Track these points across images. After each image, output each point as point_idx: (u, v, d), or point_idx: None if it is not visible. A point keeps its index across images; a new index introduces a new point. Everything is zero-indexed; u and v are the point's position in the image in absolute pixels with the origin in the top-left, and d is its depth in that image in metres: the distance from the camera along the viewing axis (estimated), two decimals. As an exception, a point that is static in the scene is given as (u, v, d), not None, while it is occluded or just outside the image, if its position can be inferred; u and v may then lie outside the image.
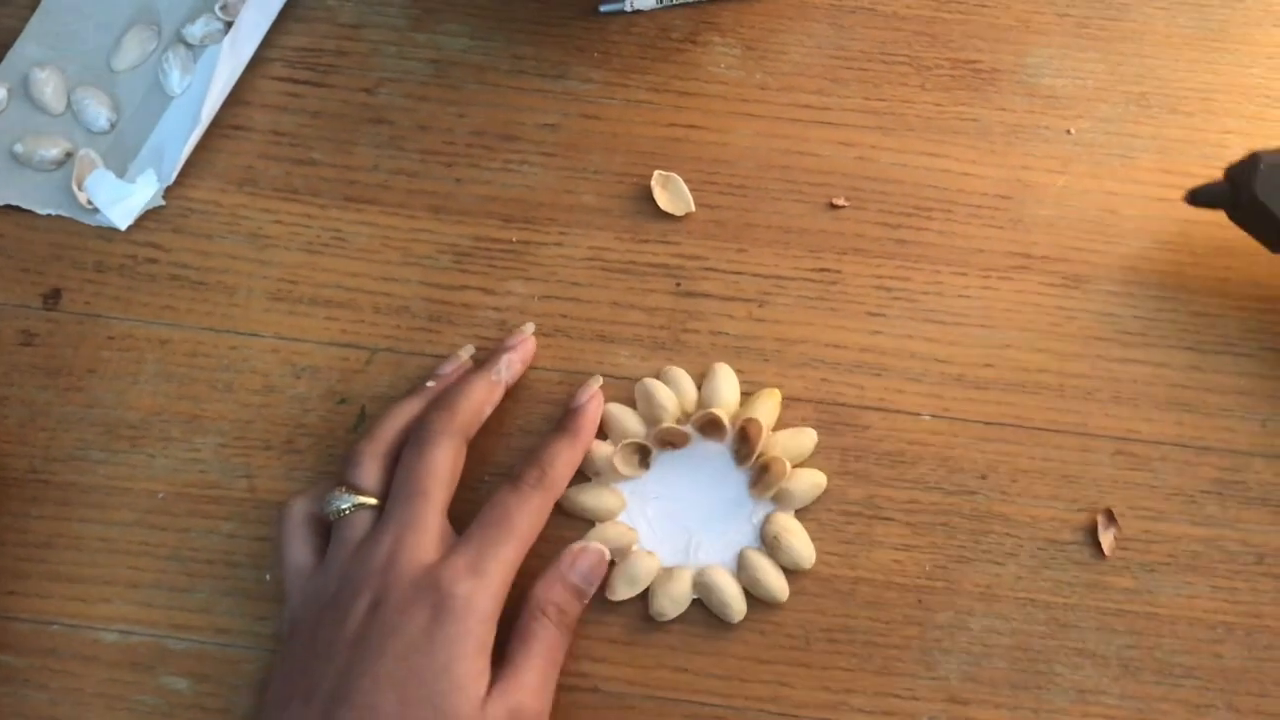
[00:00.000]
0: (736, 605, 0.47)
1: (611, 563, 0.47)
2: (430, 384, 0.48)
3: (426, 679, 0.40)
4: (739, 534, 0.48)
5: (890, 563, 0.48)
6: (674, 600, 0.46)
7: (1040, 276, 0.51)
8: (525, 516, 0.44)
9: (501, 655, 0.43)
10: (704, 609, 0.47)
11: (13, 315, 0.51)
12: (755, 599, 0.47)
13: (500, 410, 0.48)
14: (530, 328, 0.50)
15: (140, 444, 0.50)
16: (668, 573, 0.47)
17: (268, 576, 0.48)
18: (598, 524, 0.48)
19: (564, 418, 0.48)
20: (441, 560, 0.43)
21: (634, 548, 0.47)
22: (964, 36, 0.55)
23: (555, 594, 0.45)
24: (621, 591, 0.47)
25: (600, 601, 0.47)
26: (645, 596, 0.47)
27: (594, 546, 0.46)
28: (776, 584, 0.47)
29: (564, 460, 0.46)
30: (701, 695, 0.46)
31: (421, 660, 0.41)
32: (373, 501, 0.45)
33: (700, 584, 0.47)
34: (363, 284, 0.51)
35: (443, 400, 0.47)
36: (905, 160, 0.53)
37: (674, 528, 0.48)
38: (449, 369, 0.49)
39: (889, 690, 0.46)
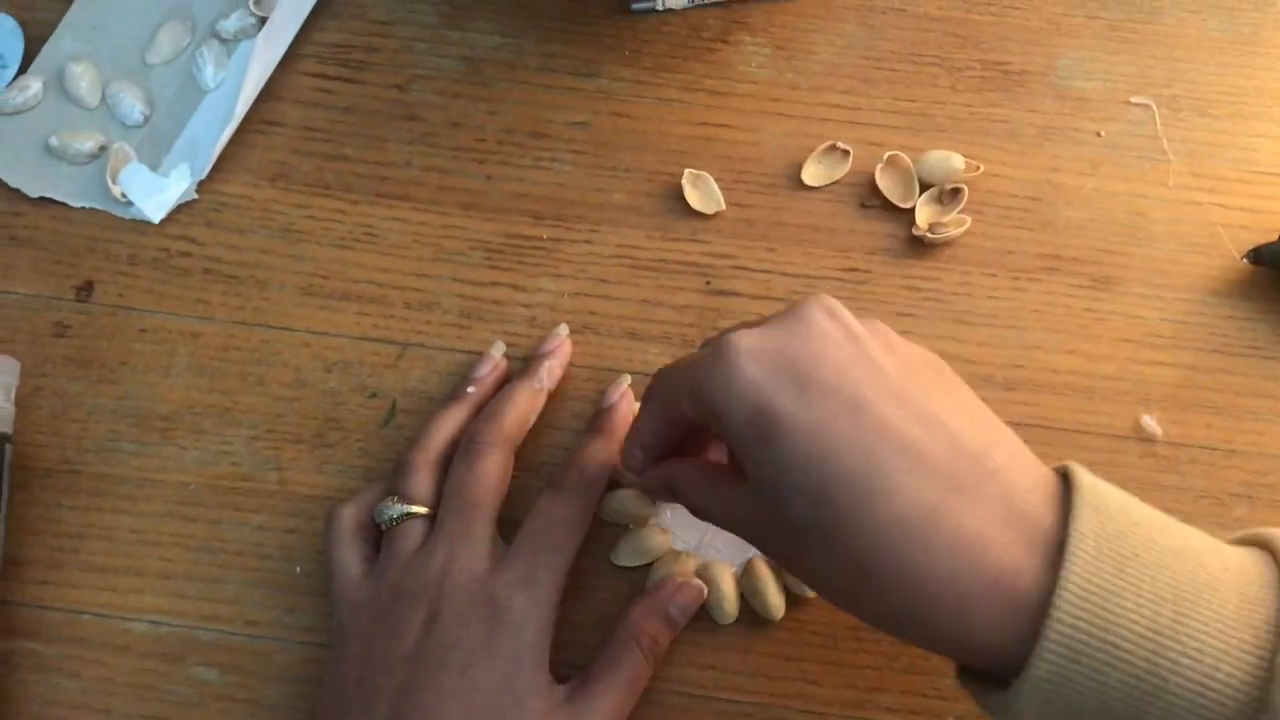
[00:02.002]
0: (728, 607, 0.47)
1: (626, 526, 0.48)
2: (470, 389, 0.48)
3: (488, 693, 0.41)
4: None
5: (918, 562, 0.48)
6: None
7: (1069, 278, 0.51)
8: (570, 523, 0.44)
9: (584, 673, 0.44)
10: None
11: (46, 307, 0.52)
12: (749, 609, 0.47)
13: (532, 408, 0.49)
14: (565, 329, 0.50)
15: (172, 436, 0.50)
16: (674, 555, 0.47)
17: (298, 569, 0.48)
18: (621, 490, 0.48)
19: (596, 418, 0.48)
20: (494, 573, 0.43)
21: (650, 522, 0.48)
22: (995, 38, 0.55)
23: (652, 625, 0.45)
24: (625, 558, 0.47)
25: (613, 578, 0.47)
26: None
27: (695, 582, 0.46)
28: (774, 601, 0.47)
29: (600, 461, 0.46)
30: (729, 693, 0.46)
31: (482, 674, 0.41)
32: (424, 511, 0.45)
33: (701, 576, 0.47)
34: (394, 279, 0.52)
35: (490, 411, 0.47)
36: (935, 161, 0.53)
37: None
38: (485, 370, 0.49)
39: (916, 689, 0.46)
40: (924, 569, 0.34)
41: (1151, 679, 0.33)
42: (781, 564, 0.42)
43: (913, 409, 0.36)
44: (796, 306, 0.38)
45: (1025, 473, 0.36)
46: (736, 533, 0.40)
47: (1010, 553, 0.34)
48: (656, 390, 0.42)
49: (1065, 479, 0.36)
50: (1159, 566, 0.34)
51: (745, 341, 0.37)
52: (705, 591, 0.46)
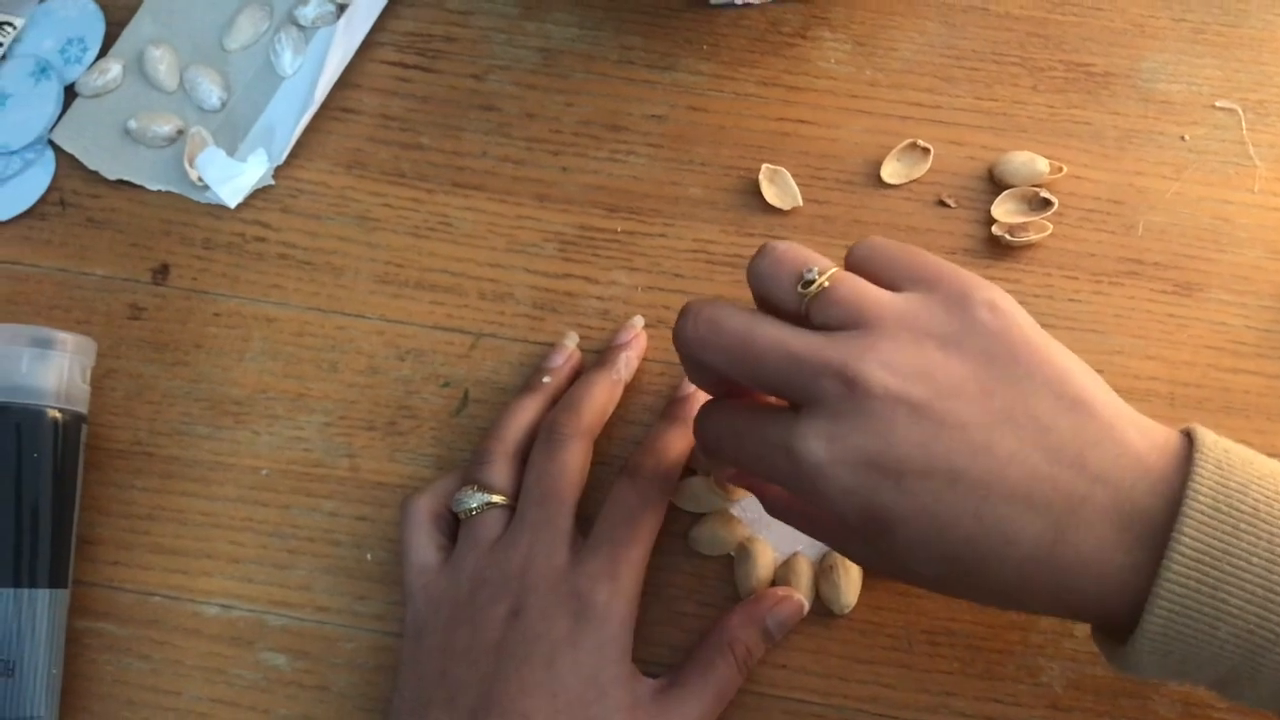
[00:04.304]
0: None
1: (701, 514, 0.48)
2: (546, 379, 0.48)
3: (574, 687, 0.41)
4: None
5: (994, 566, 0.47)
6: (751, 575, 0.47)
7: (1152, 283, 0.50)
8: (648, 513, 0.44)
9: (675, 672, 0.43)
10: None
11: (122, 289, 0.52)
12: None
13: (605, 403, 0.48)
14: (640, 321, 0.50)
15: (245, 421, 0.50)
16: (752, 544, 0.47)
17: (369, 556, 0.48)
18: (697, 477, 0.48)
19: (670, 406, 0.48)
20: (576, 565, 0.43)
21: (729, 509, 0.48)
22: (1078, 39, 0.54)
23: (749, 635, 0.45)
24: (702, 545, 0.47)
25: (699, 595, 0.47)
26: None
27: (797, 598, 0.46)
28: (848, 599, 0.46)
29: (677, 449, 0.46)
30: (800, 693, 0.46)
31: (567, 668, 0.41)
32: (504, 500, 0.45)
33: (781, 570, 0.47)
34: (468, 269, 0.52)
35: (568, 401, 0.47)
36: (1016, 161, 0.52)
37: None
38: (559, 360, 0.49)
39: (991, 695, 0.46)
40: (1060, 586, 0.36)
41: (1263, 633, 0.34)
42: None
43: (1002, 449, 0.36)
44: (847, 390, 0.36)
45: (1123, 462, 0.36)
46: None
47: (1130, 553, 0.36)
48: (720, 454, 0.41)
49: (1188, 438, 0.37)
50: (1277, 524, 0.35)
51: (821, 453, 0.36)
52: (806, 608, 0.46)
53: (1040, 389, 0.36)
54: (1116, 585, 0.36)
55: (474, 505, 0.45)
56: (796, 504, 0.43)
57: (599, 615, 0.42)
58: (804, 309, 0.38)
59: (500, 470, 0.45)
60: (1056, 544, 0.36)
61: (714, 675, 0.43)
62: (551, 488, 0.44)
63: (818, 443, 0.36)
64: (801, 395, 0.37)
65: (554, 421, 0.46)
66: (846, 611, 0.46)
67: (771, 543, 0.47)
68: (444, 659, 0.42)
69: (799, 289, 0.38)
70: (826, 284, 0.38)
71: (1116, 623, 0.37)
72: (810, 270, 0.38)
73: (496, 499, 0.45)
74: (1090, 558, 0.36)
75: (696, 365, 0.40)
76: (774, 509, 0.43)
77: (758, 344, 0.38)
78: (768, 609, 0.45)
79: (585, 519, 0.45)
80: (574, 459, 0.45)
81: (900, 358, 0.36)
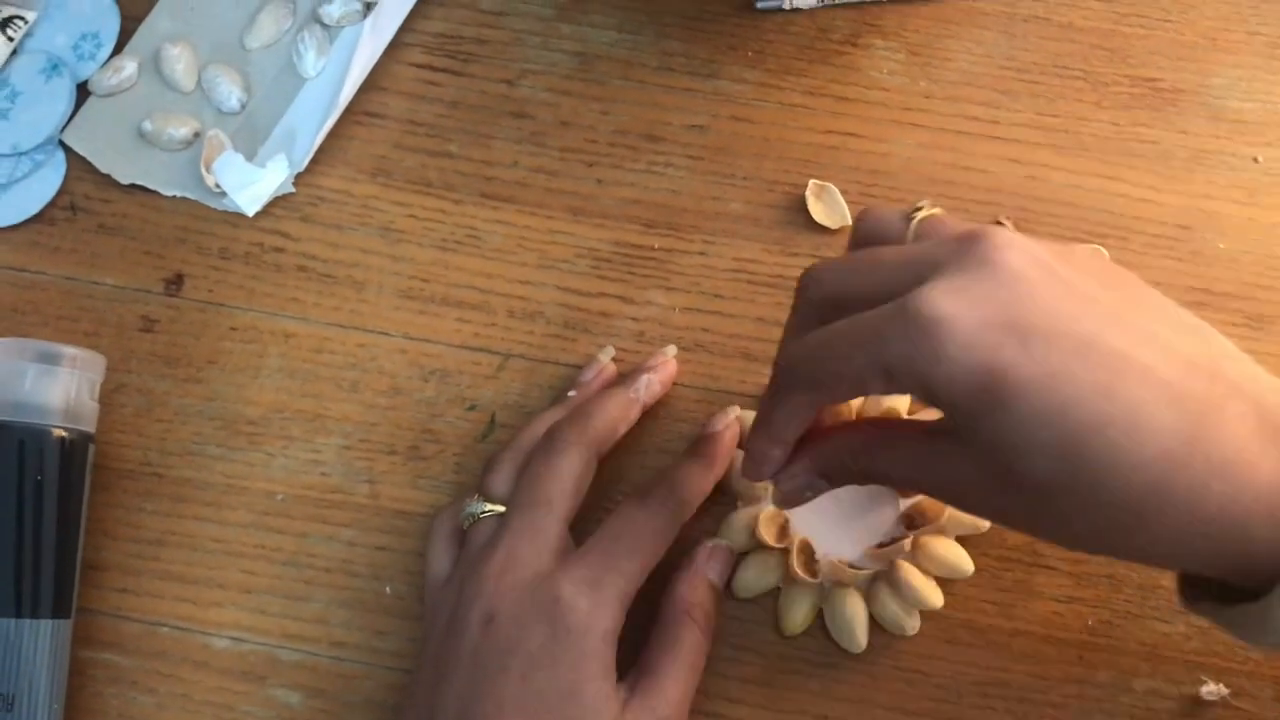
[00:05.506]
0: (860, 635, 0.44)
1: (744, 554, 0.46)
2: (572, 393, 0.46)
3: (553, 703, 0.38)
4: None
5: (1050, 615, 0.44)
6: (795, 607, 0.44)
7: (1221, 314, 0.48)
8: (651, 533, 0.41)
9: (640, 661, 0.41)
10: (847, 655, 0.44)
11: (133, 299, 0.49)
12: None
13: (636, 428, 0.45)
14: (672, 350, 0.47)
15: (259, 442, 0.48)
16: (798, 583, 0.44)
17: (388, 589, 0.46)
18: (737, 513, 0.46)
19: (697, 443, 0.45)
20: (559, 571, 0.40)
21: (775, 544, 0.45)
22: (1145, 52, 0.51)
23: (700, 595, 0.43)
24: (745, 591, 0.45)
25: (736, 639, 0.45)
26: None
27: (724, 544, 0.44)
28: (909, 621, 0.44)
29: (695, 482, 0.43)
30: (842, 745, 0.44)
31: (546, 682, 0.38)
32: (503, 509, 0.42)
33: (828, 600, 0.45)
34: (497, 286, 0.49)
35: (576, 411, 0.44)
36: (1078, 181, 0.49)
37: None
38: (590, 375, 0.47)
39: (1045, 752, 0.43)
40: (1197, 497, 0.32)
41: None
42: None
43: (1135, 332, 0.33)
44: (972, 249, 0.34)
45: (1260, 382, 0.34)
46: (948, 500, 0.40)
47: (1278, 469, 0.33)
48: (801, 378, 0.37)
49: None
50: None
51: (943, 305, 0.33)
52: (734, 551, 0.45)
53: (1156, 312, 0.35)
54: (1265, 503, 0.32)
55: (475, 513, 0.42)
56: (875, 440, 0.40)
57: (580, 625, 0.39)
58: (912, 235, 0.38)
59: (504, 479, 0.43)
60: (1194, 441, 0.32)
61: (682, 648, 0.41)
62: (541, 493, 0.41)
63: (941, 296, 0.33)
64: (926, 269, 0.35)
65: (556, 429, 0.43)
66: (912, 632, 0.44)
67: (816, 541, 0.45)
68: (430, 672, 0.40)
69: (908, 218, 0.38)
70: (937, 211, 0.38)
71: (1258, 563, 0.33)
72: (919, 204, 0.38)
73: (495, 507, 0.42)
74: (1232, 462, 0.32)
75: (810, 304, 0.39)
76: (855, 461, 0.39)
77: (879, 253, 0.37)
78: (705, 563, 0.44)
79: (584, 537, 0.42)
80: (570, 466, 0.42)
81: (1020, 240, 0.35)
